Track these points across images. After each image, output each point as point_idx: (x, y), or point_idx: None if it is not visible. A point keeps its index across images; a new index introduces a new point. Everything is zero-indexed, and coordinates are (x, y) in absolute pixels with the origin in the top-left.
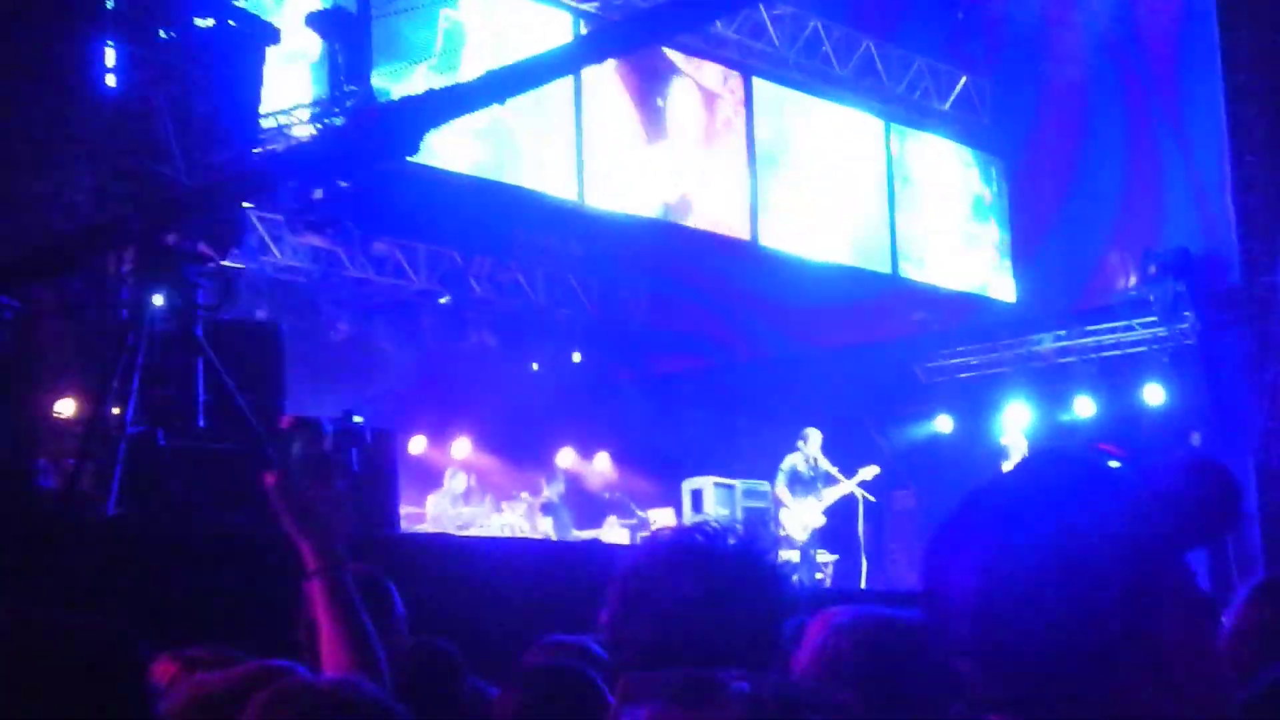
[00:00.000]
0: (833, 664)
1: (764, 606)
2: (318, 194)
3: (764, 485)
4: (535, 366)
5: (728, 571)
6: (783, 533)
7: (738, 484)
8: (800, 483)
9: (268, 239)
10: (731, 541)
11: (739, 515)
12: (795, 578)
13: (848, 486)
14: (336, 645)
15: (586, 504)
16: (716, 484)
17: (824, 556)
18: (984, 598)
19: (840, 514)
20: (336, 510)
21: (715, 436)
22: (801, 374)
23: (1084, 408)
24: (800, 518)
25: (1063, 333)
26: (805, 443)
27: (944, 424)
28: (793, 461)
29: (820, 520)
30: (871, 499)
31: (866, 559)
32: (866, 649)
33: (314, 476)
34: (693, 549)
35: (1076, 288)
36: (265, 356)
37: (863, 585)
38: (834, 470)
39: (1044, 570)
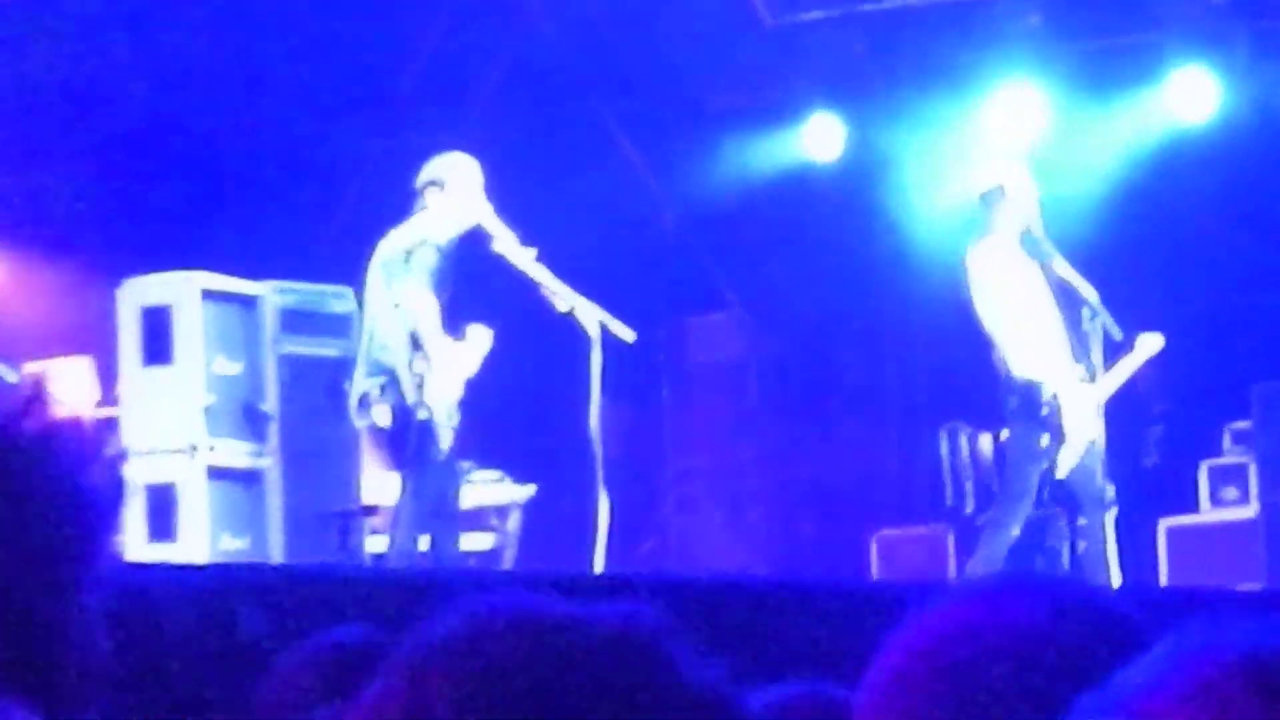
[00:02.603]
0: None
1: None
2: None
3: (341, 298)
4: None
5: None
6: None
7: (266, 290)
8: (438, 284)
9: None
10: None
11: (270, 369)
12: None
13: (563, 301)
14: None
15: None
16: (208, 293)
17: (496, 489)
18: None
19: (544, 378)
20: None
21: (217, 163)
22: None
23: (1186, 94)
24: (448, 369)
25: None
26: (442, 189)
27: (822, 137)
28: (417, 238)
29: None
30: (626, 336)
31: (606, 489)
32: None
33: None
34: None
35: None
36: None
37: (598, 559)
38: (525, 258)
39: None
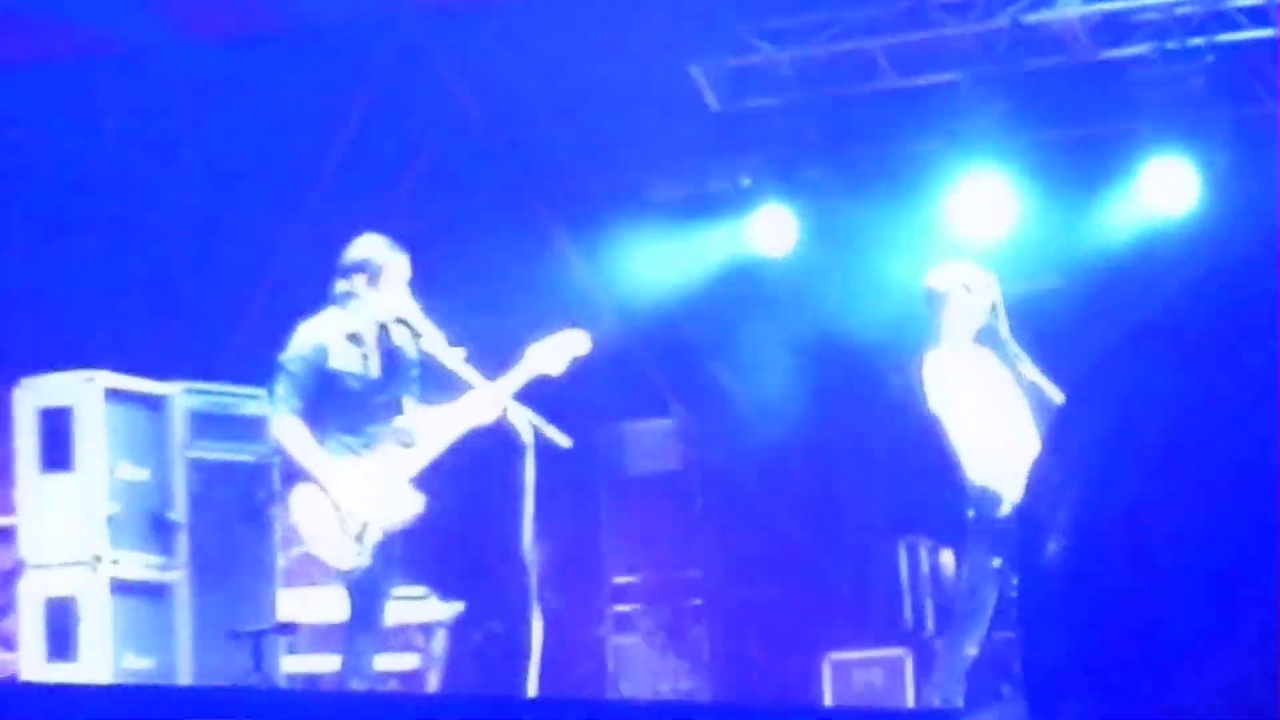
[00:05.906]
0: None
1: None
2: None
3: (255, 400)
4: None
5: None
6: (303, 546)
7: (175, 391)
8: (346, 404)
9: None
10: None
11: (179, 475)
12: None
13: (487, 406)
14: None
15: None
16: (112, 394)
17: (421, 606)
18: None
19: (472, 487)
20: None
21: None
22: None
23: (1163, 185)
24: (342, 499)
25: None
26: (370, 278)
27: (772, 230)
28: (320, 339)
29: (409, 506)
30: (562, 442)
31: (542, 611)
32: None
33: None
34: None
35: None
36: None
37: (531, 683)
38: (453, 358)
39: None
